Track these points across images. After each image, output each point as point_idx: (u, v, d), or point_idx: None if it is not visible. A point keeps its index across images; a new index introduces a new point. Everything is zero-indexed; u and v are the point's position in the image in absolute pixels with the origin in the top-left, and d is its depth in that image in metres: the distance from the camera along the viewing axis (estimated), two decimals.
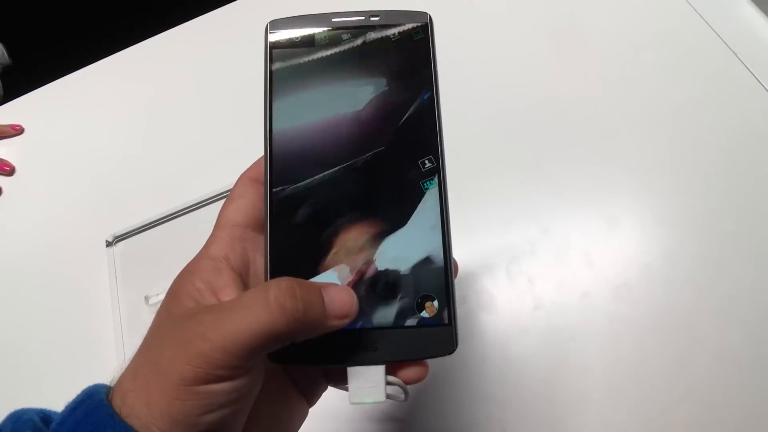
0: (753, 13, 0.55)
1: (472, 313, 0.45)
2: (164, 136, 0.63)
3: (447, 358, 0.43)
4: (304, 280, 0.24)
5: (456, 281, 0.45)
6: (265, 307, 0.22)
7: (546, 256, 0.46)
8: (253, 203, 0.28)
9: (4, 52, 0.91)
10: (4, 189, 0.64)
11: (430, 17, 0.30)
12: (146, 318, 0.49)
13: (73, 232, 0.58)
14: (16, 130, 0.68)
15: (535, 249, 0.47)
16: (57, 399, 0.50)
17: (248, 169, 0.29)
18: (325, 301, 0.23)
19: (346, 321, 0.24)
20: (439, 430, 0.42)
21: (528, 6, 0.60)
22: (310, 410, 0.29)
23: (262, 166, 0.29)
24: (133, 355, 0.24)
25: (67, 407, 0.24)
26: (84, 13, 1.09)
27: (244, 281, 0.26)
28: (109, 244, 0.55)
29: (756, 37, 0.53)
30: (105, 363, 0.49)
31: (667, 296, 0.43)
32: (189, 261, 0.27)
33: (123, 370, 0.24)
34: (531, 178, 0.50)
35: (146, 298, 0.51)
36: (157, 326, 0.24)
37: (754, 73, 0.51)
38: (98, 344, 0.51)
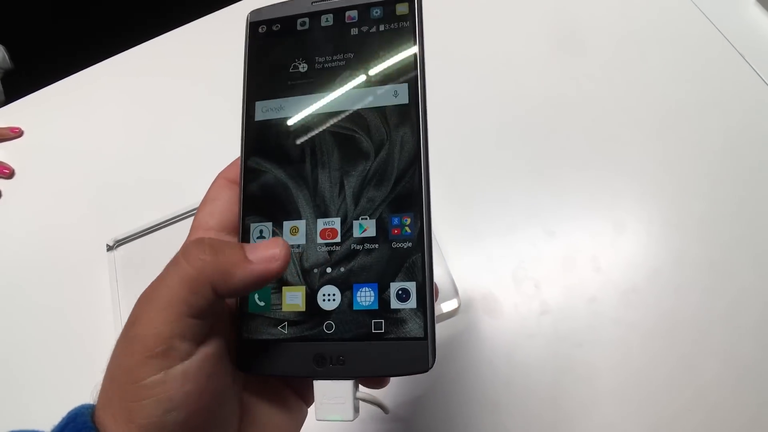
0: (759, 14, 0.54)
1: (478, 318, 0.45)
2: (165, 139, 0.62)
3: (451, 365, 0.43)
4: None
5: (461, 286, 0.44)
6: (174, 265, 0.22)
7: (552, 260, 0.46)
8: (228, 206, 0.27)
9: (6, 56, 0.91)
10: (3, 192, 0.64)
11: None
12: None
13: (73, 236, 0.58)
14: (15, 133, 0.67)
15: (542, 253, 0.46)
16: (57, 405, 0.49)
17: (224, 170, 0.29)
18: (245, 247, 0.23)
19: (276, 264, 0.22)
20: None
21: (533, 8, 0.60)
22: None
23: (237, 166, 0.28)
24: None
25: (52, 431, 0.23)
26: (84, 16, 1.09)
27: None
28: (110, 248, 0.54)
29: (763, 38, 0.53)
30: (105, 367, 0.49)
31: (674, 301, 0.43)
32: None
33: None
34: (537, 182, 0.50)
35: None
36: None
37: (761, 75, 0.51)
38: (99, 348, 0.50)
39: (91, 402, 0.24)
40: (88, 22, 1.11)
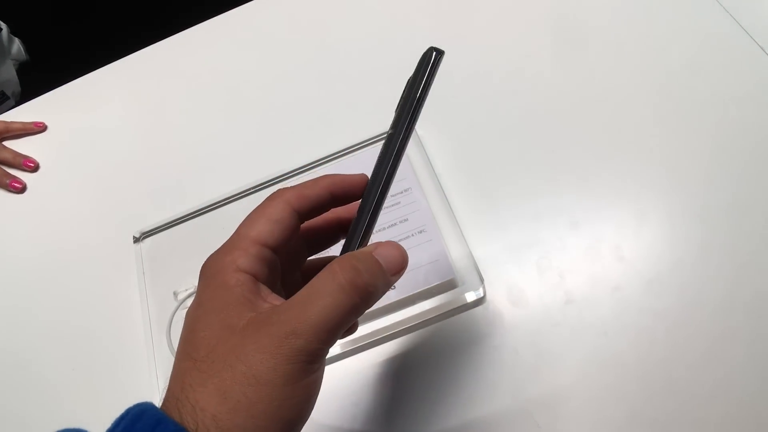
0: None
1: (502, 307, 0.45)
2: (190, 132, 0.63)
3: (476, 352, 0.43)
4: (357, 252, 0.25)
5: (486, 275, 0.45)
6: (340, 289, 0.23)
7: (576, 250, 0.46)
8: (289, 232, 0.27)
9: (22, 48, 0.92)
10: (29, 186, 0.65)
11: (434, 54, 0.28)
12: (178, 313, 0.50)
13: (99, 229, 0.59)
14: (39, 127, 0.68)
15: (565, 244, 0.47)
16: (87, 394, 0.50)
17: (288, 193, 0.28)
18: (382, 264, 0.25)
19: (402, 272, 0.26)
20: (472, 423, 0.42)
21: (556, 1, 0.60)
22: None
23: (305, 194, 0.28)
24: (183, 380, 0.23)
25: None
26: (105, 10, 1.09)
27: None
28: (136, 240, 0.55)
29: None
30: (135, 358, 0.50)
31: (699, 290, 0.43)
32: (210, 269, 0.26)
33: (181, 393, 0.23)
34: (560, 172, 0.50)
35: (175, 294, 0.51)
36: (219, 344, 0.23)
37: None
38: (128, 339, 0.51)
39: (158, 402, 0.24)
40: (109, 16, 1.11)
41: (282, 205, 0.27)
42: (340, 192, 0.29)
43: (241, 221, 0.28)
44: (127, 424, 0.22)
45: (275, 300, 0.25)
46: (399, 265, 0.26)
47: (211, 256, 0.27)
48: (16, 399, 0.52)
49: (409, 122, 0.28)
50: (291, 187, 0.28)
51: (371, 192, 0.28)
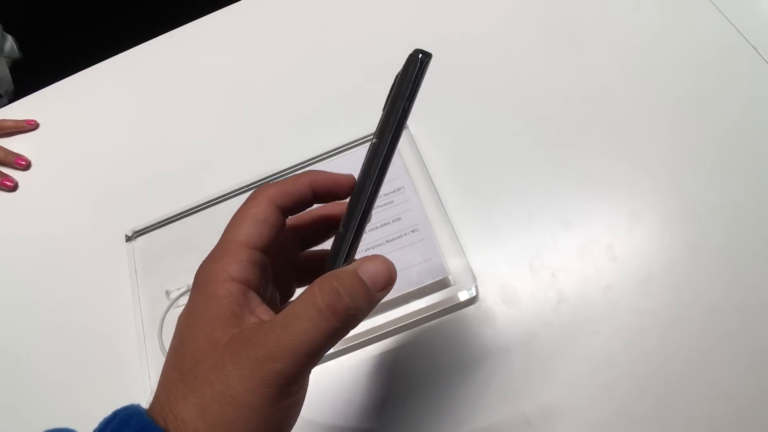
0: None
1: (495, 307, 0.45)
2: (182, 131, 0.63)
3: (469, 352, 0.43)
4: (339, 271, 0.25)
5: (478, 275, 0.45)
6: (319, 314, 0.23)
7: (569, 250, 0.46)
8: (276, 230, 0.27)
9: (15, 45, 0.91)
10: (20, 184, 0.64)
11: (420, 56, 0.25)
12: (170, 312, 0.50)
13: (91, 227, 0.59)
14: (31, 125, 0.68)
15: (558, 243, 0.47)
16: (78, 393, 0.50)
17: (271, 190, 0.27)
18: (367, 282, 0.24)
19: (390, 287, 0.25)
20: (464, 422, 0.42)
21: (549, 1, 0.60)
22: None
23: (287, 190, 0.28)
24: (169, 390, 0.23)
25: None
26: (95, 8, 1.09)
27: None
28: (128, 239, 0.55)
29: None
30: (127, 357, 0.50)
31: (692, 290, 0.43)
32: (201, 277, 0.26)
33: (166, 401, 0.23)
34: (553, 172, 0.50)
35: (167, 293, 0.51)
36: (203, 359, 0.23)
37: None
38: (119, 338, 0.51)
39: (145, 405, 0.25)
40: (99, 14, 1.11)
41: (265, 203, 0.27)
42: (323, 190, 0.28)
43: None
44: (115, 427, 0.23)
45: (263, 313, 0.25)
46: (385, 281, 0.25)
47: (203, 262, 0.26)
48: (6, 397, 0.51)
49: (394, 133, 0.26)
50: (273, 183, 0.28)
51: (356, 205, 0.26)
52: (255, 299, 0.25)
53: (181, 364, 0.24)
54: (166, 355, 0.25)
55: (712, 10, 0.55)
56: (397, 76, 0.26)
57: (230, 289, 0.24)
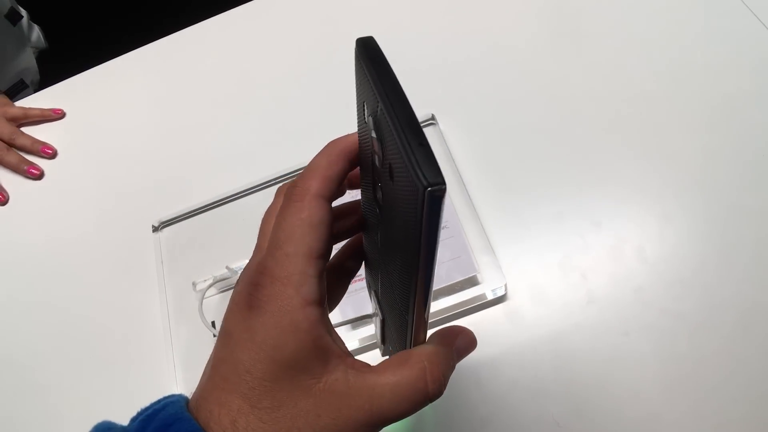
0: None
1: (523, 306, 0.45)
2: (209, 122, 0.63)
3: (496, 350, 0.43)
4: (442, 356, 0.24)
5: (508, 274, 0.45)
6: (425, 400, 0.24)
7: (598, 250, 0.46)
8: (330, 229, 0.24)
9: (41, 35, 0.92)
10: (46, 172, 0.65)
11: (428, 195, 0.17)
12: (194, 304, 0.50)
13: (117, 217, 0.59)
14: (57, 114, 0.68)
15: (588, 243, 0.47)
16: (105, 383, 0.50)
17: (313, 185, 0.24)
18: (455, 358, 0.25)
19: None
20: (490, 420, 0.42)
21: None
22: None
23: (327, 176, 0.24)
24: (235, 419, 0.22)
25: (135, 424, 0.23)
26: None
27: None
28: (155, 229, 0.55)
29: None
30: (153, 346, 0.50)
31: (723, 293, 0.43)
32: (271, 303, 0.22)
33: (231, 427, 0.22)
34: (583, 172, 0.50)
35: (194, 284, 0.51)
36: (288, 402, 0.22)
37: None
38: (146, 328, 0.51)
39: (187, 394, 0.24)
40: (129, 3, 1.11)
41: (315, 202, 0.24)
42: (356, 156, 0.26)
43: (260, 213, 0.26)
44: (158, 425, 0.22)
45: (341, 343, 0.24)
46: (467, 354, 0.26)
47: (265, 280, 0.23)
48: (34, 384, 0.52)
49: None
50: (308, 176, 0.25)
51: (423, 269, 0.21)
52: (329, 323, 0.24)
53: (253, 397, 0.22)
54: (212, 365, 0.24)
55: (747, 13, 0.54)
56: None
57: (311, 318, 0.22)
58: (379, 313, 0.30)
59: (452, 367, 0.25)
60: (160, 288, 0.52)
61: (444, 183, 0.17)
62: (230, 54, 0.68)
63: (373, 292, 0.30)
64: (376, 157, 0.22)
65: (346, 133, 0.26)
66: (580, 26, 0.58)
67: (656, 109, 0.52)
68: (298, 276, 0.22)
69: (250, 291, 0.23)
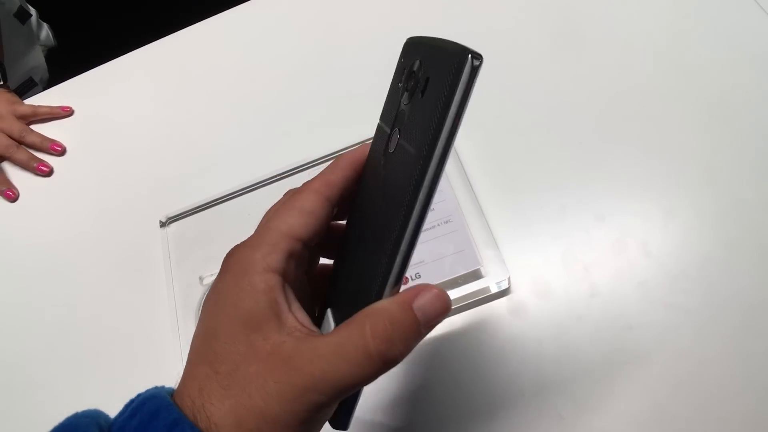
0: None
1: (527, 299, 0.45)
2: (217, 118, 0.64)
3: (500, 343, 0.44)
4: (394, 309, 0.22)
5: (511, 267, 0.45)
6: (369, 360, 0.22)
7: (602, 244, 0.46)
8: (323, 223, 0.26)
9: (50, 33, 0.92)
10: (56, 169, 0.66)
11: (470, 58, 0.20)
12: (201, 298, 0.50)
13: (125, 213, 0.60)
14: (66, 112, 0.69)
15: (591, 237, 0.47)
16: (112, 376, 0.51)
17: (314, 183, 0.26)
18: (420, 320, 0.22)
19: (440, 320, 0.23)
20: (495, 412, 0.42)
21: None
22: None
23: (329, 180, 0.27)
24: (201, 387, 0.23)
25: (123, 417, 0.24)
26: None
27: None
28: (162, 224, 0.56)
29: None
30: (161, 340, 0.50)
31: (727, 288, 0.43)
32: (236, 265, 0.24)
33: (199, 397, 0.23)
34: (587, 166, 0.50)
35: (200, 278, 0.52)
36: (242, 365, 0.23)
37: None
38: (154, 322, 0.52)
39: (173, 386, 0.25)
40: (136, 2, 1.11)
41: (313, 195, 0.25)
42: (362, 166, 0.27)
43: (267, 209, 0.27)
44: (145, 418, 0.23)
45: (300, 315, 0.24)
46: (438, 317, 0.23)
47: (238, 248, 0.25)
48: (40, 378, 0.53)
49: (445, 149, 0.21)
50: (313, 179, 0.26)
51: (407, 224, 0.22)
52: (291, 296, 0.25)
53: (215, 362, 0.23)
54: (191, 342, 0.25)
55: (752, 4, 0.54)
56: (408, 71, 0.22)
57: (270, 282, 0.23)
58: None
59: (412, 327, 0.22)
60: (167, 282, 0.53)
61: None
62: (238, 50, 0.68)
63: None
64: (405, 95, 0.24)
65: (358, 148, 0.28)
66: (583, 22, 0.58)
67: (661, 103, 0.51)
68: (268, 246, 0.24)
69: (226, 259, 0.25)
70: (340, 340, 0.22)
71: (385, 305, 0.22)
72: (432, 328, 0.23)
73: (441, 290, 0.23)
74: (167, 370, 0.49)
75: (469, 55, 0.20)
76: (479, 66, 0.21)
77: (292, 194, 0.27)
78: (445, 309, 0.23)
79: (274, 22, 0.69)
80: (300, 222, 0.25)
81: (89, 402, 0.49)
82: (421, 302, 0.22)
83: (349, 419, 0.25)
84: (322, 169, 0.28)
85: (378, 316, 0.22)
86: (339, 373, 0.21)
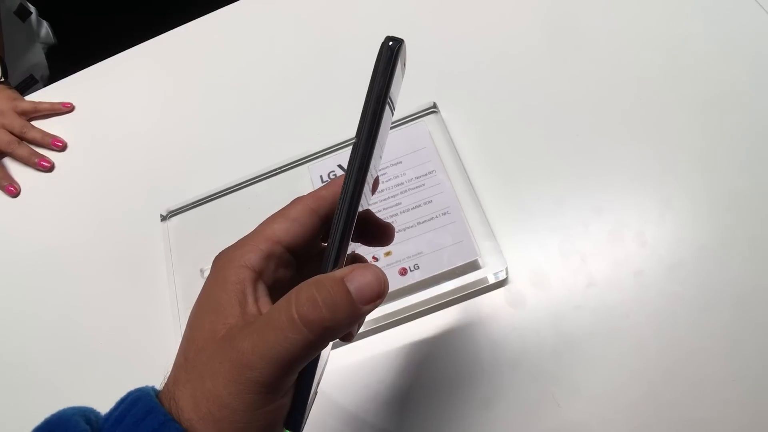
0: None
1: (525, 289, 0.46)
2: (215, 113, 0.64)
3: (498, 333, 0.44)
4: (324, 277, 0.23)
5: (508, 258, 0.45)
6: (292, 325, 0.22)
7: (599, 235, 0.47)
8: (308, 231, 0.27)
9: (50, 31, 0.93)
10: (56, 165, 0.66)
11: (389, 44, 0.23)
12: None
13: (126, 207, 0.60)
14: (67, 108, 0.69)
15: (588, 228, 0.47)
16: (112, 372, 0.51)
17: (309, 197, 0.28)
18: (352, 293, 0.23)
19: (379, 301, 0.24)
20: (493, 401, 0.43)
21: None
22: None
23: (320, 195, 0.28)
24: (176, 375, 0.24)
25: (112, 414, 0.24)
26: None
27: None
28: (163, 218, 0.56)
29: None
30: (162, 334, 0.51)
31: (722, 277, 0.43)
32: (219, 261, 0.26)
33: (172, 386, 0.24)
34: (584, 157, 0.50)
35: (201, 271, 0.52)
36: (204, 349, 0.23)
37: None
38: (154, 316, 0.52)
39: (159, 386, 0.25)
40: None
41: (300, 206, 0.27)
42: None
43: (267, 202, 0.28)
44: (126, 407, 0.24)
45: (264, 305, 0.25)
46: (374, 294, 0.23)
47: (226, 248, 0.27)
48: (42, 372, 0.53)
49: (371, 131, 0.24)
50: (308, 193, 0.28)
51: (340, 206, 0.25)
52: (263, 290, 0.25)
53: (188, 349, 0.24)
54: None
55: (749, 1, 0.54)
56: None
57: (240, 275, 0.24)
58: None
59: (339, 294, 0.22)
60: (168, 276, 0.53)
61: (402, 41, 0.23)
62: (238, 45, 0.68)
63: None
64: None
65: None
66: (579, 16, 0.58)
67: (657, 95, 0.52)
68: (249, 246, 0.26)
69: (215, 258, 0.27)
70: (271, 311, 0.23)
71: (315, 277, 0.23)
72: (370, 303, 0.23)
73: (377, 267, 0.24)
74: (169, 364, 0.49)
75: (386, 38, 0.23)
76: (397, 47, 0.23)
77: (287, 204, 0.28)
78: (378, 282, 0.23)
79: (272, 17, 0.69)
80: (283, 227, 0.27)
81: (91, 392, 0.50)
82: (355, 277, 0.23)
83: (302, 420, 0.25)
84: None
85: (305, 284, 0.23)
86: (268, 342, 0.21)
